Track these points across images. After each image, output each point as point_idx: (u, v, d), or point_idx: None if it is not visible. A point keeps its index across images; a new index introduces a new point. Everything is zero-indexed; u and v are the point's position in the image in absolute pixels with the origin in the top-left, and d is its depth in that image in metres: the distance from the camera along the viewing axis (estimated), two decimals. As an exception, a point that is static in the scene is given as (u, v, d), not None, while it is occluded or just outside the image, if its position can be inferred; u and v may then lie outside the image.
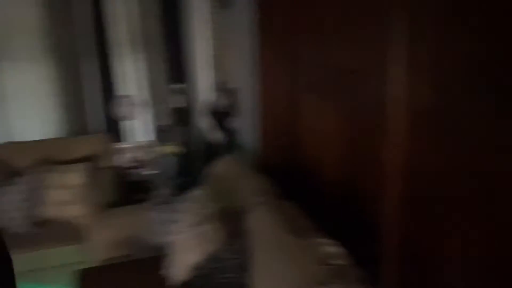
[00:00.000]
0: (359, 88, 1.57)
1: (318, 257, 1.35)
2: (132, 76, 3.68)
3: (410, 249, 1.37)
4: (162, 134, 3.37)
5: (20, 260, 2.46)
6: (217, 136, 2.83)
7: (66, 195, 2.73)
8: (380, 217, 1.49)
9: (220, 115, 2.78)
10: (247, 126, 2.56)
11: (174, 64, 3.64)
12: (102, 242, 2.30)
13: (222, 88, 2.97)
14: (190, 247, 1.68)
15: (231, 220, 1.79)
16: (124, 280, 1.87)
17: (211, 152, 2.85)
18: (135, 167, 3.35)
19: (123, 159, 3.36)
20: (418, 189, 1.30)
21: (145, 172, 3.33)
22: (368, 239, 1.56)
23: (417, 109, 1.27)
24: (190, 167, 3.30)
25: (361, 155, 1.62)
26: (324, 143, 1.90)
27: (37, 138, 3.32)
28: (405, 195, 1.37)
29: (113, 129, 3.54)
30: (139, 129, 3.65)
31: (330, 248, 1.40)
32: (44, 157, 2.93)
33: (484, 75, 1.05)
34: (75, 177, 2.75)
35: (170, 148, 3.25)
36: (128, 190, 3.14)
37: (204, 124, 3.18)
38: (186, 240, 1.73)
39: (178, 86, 3.61)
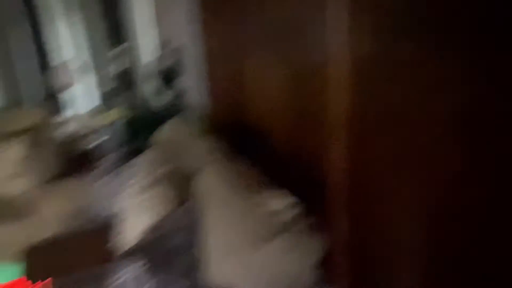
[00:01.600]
0: (301, 36, 1.54)
1: (268, 211, 1.37)
2: (68, 40, 3.46)
3: (357, 201, 1.40)
4: (106, 99, 3.23)
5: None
6: (164, 98, 2.74)
7: (7, 169, 2.59)
8: (327, 169, 1.50)
9: (166, 76, 2.68)
10: (194, 86, 2.49)
11: (113, 24, 3.44)
12: (49, 217, 2.21)
13: (166, 46, 2.86)
14: (139, 212, 1.64)
15: (181, 183, 1.76)
16: (73, 254, 1.81)
17: (159, 115, 2.77)
18: (80, 137, 3.21)
19: (67, 129, 3.21)
20: (361, 139, 1.32)
21: (91, 141, 3.20)
22: (317, 194, 1.58)
23: (358, 55, 1.26)
24: (138, 132, 3.19)
25: (306, 107, 1.61)
26: (270, 98, 1.88)
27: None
28: (349, 146, 1.38)
29: (53, 98, 3.36)
30: (81, 96, 3.48)
31: (281, 201, 1.41)
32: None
33: (424, 22, 1.05)
34: (16, 150, 2.61)
35: (115, 114, 3.13)
36: (73, 160, 3.01)
37: (150, 86, 3.07)
38: (135, 205, 1.69)
39: (119, 47, 3.44)
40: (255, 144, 2.15)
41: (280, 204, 1.42)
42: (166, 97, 2.71)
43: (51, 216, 2.19)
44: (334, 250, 1.45)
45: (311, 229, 1.30)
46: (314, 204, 1.55)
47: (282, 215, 1.38)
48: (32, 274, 1.69)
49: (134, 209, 1.69)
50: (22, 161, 2.61)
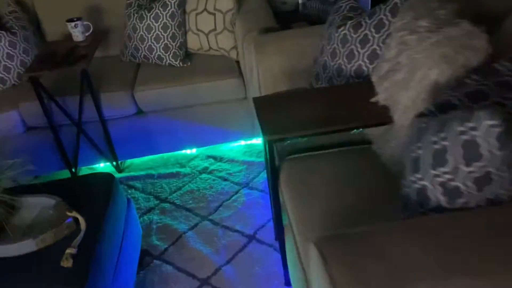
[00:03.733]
0: None
1: None
2: None
3: None
4: None
5: (174, 95, 2.25)
6: None
7: (214, 22, 2.34)
8: None
9: None
10: None
11: None
12: (267, 73, 1.88)
13: None
14: (413, 68, 1.15)
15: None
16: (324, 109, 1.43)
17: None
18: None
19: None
20: None
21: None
22: None
23: None
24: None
25: None
26: None
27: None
28: None
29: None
30: None
31: None
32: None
33: None
34: (225, 4, 2.31)
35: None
36: (286, 15, 2.62)
37: None
38: (415, 55, 1.19)
39: None
40: None
41: None
42: None
43: (269, 73, 1.86)
44: None
45: None
46: None
47: None
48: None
49: (416, 62, 1.19)
50: (231, 12, 2.31)
